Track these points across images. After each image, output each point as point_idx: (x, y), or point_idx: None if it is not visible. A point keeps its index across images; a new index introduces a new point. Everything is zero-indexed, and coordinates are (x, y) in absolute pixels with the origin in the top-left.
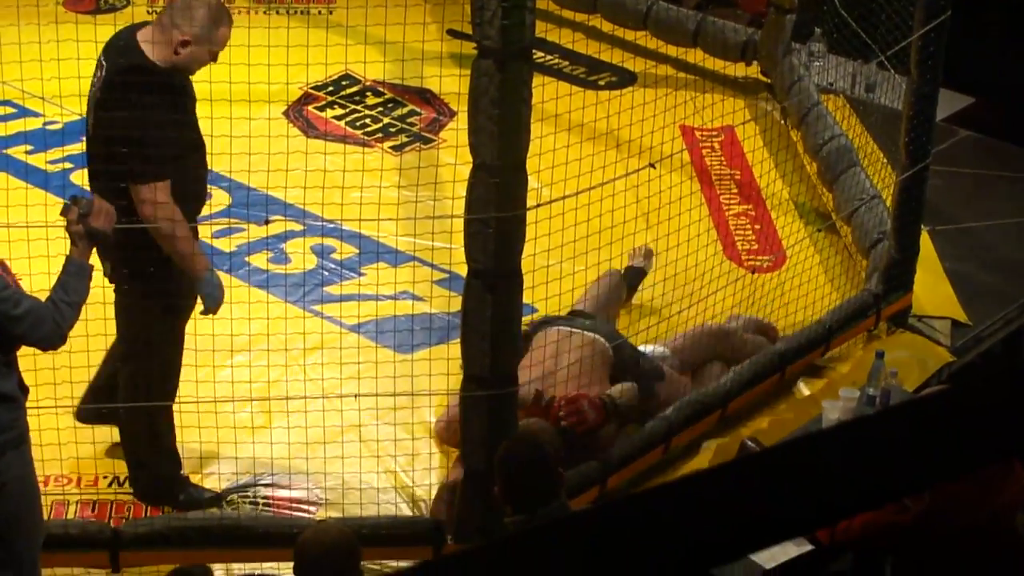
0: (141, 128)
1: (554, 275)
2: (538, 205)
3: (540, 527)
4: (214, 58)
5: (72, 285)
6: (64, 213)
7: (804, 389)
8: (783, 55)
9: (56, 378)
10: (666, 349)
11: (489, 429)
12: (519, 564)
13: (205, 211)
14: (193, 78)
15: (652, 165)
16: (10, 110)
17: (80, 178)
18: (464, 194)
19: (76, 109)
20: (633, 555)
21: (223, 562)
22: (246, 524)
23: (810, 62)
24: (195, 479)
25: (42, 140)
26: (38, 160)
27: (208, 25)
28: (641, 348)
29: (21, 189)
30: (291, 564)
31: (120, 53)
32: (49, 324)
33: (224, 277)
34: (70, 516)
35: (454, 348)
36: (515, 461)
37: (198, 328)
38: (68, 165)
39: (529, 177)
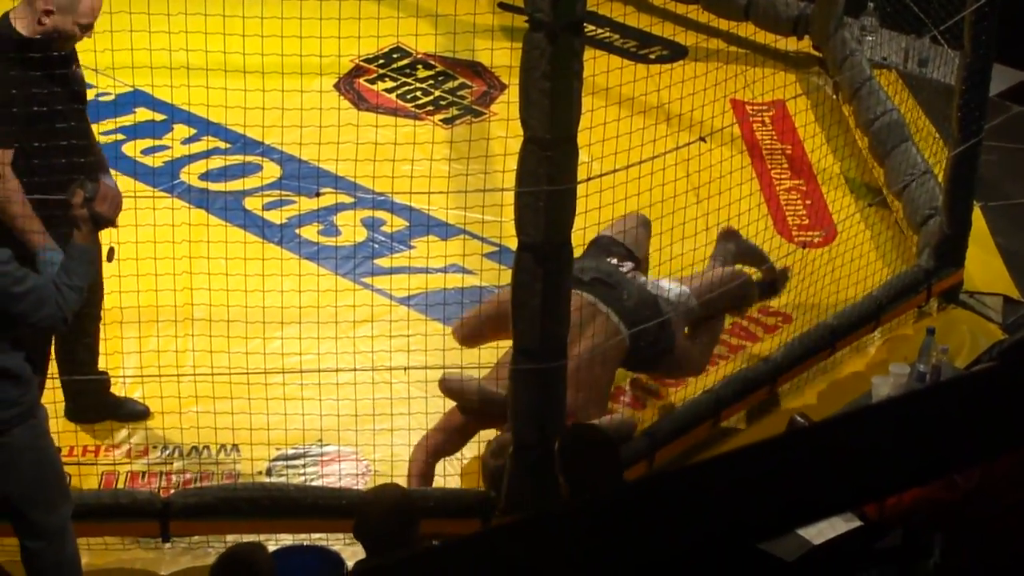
0: None
1: None
2: (589, 179)
3: (589, 500)
4: (85, 32)
5: (75, 269)
6: (69, 197)
7: (854, 364)
8: (835, 29)
9: (107, 348)
10: (689, 292)
11: (539, 402)
12: (568, 535)
13: (255, 183)
14: (252, 50)
15: (703, 139)
16: None
17: (132, 149)
18: (514, 167)
19: (128, 81)
20: (682, 529)
21: (272, 532)
22: (295, 495)
23: (862, 36)
24: (245, 451)
25: (94, 112)
26: None
27: None
28: (665, 284)
29: None
30: (339, 535)
31: None
32: (51, 306)
33: (274, 249)
34: (120, 485)
35: None
36: (579, 442)
37: (249, 300)
38: (120, 136)
39: (580, 150)
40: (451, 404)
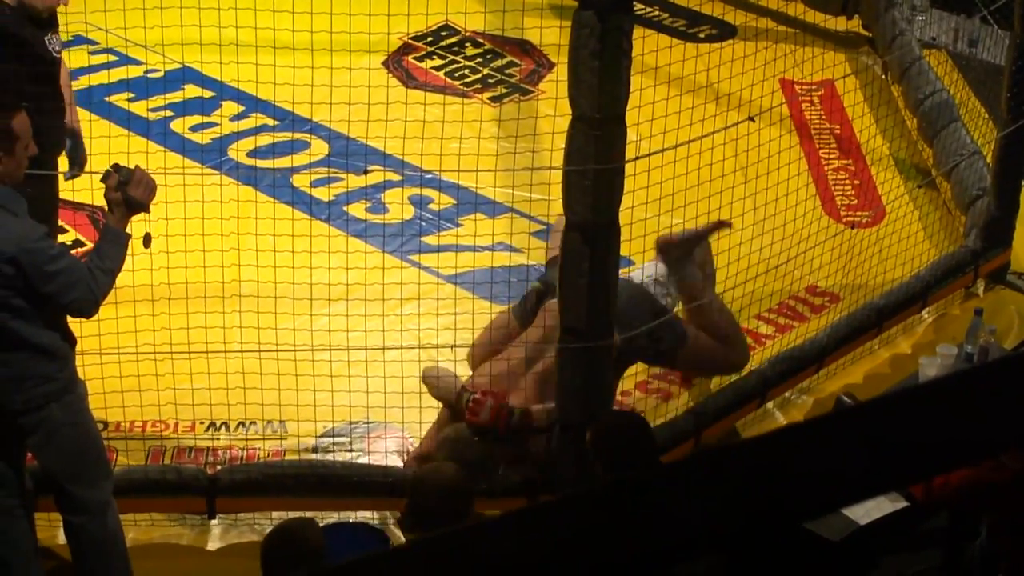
0: None
1: (652, 228)
2: (637, 158)
3: (630, 479)
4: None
5: (108, 252)
6: (104, 180)
7: (901, 345)
8: (885, 9)
9: (155, 324)
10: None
11: (584, 381)
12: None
13: (303, 160)
14: (300, 28)
15: (751, 118)
16: (112, 58)
17: (181, 126)
18: (562, 146)
19: (177, 57)
20: (728, 508)
21: (318, 510)
22: (341, 472)
23: (912, 16)
24: (291, 427)
25: (144, 88)
26: (139, 108)
27: None
28: (651, 265)
29: (123, 137)
30: (385, 512)
31: None
32: (82, 288)
33: (322, 226)
34: (167, 461)
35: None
36: (613, 427)
37: (297, 277)
38: (169, 113)
39: (628, 129)
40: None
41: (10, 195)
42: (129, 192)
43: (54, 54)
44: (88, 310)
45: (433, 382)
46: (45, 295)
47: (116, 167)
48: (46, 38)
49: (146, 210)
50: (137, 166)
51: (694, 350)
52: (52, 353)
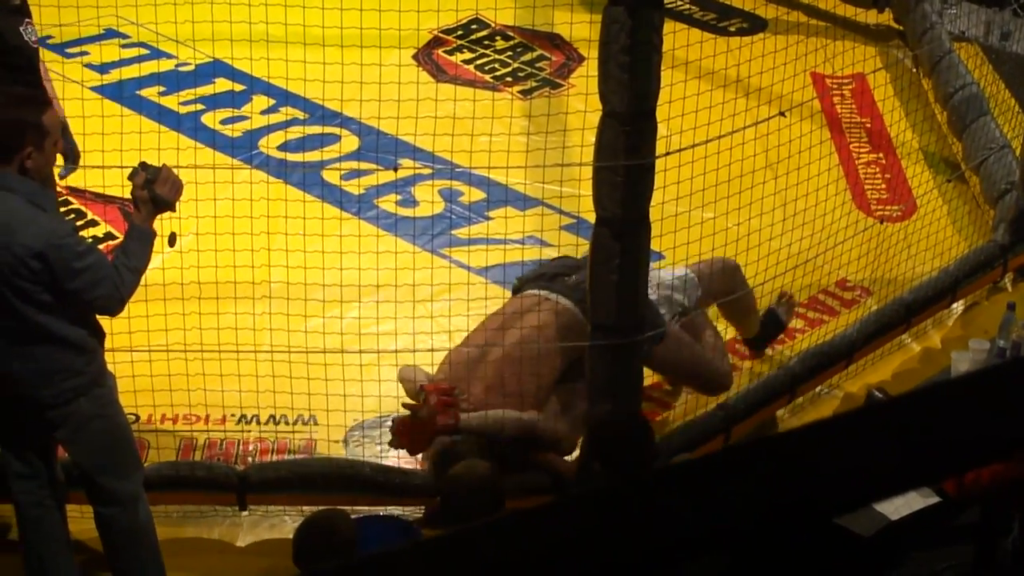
0: None
1: (682, 223)
2: (667, 153)
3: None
4: None
5: (134, 250)
6: (131, 177)
7: (931, 340)
8: (916, 2)
9: (186, 324)
10: (694, 276)
11: (614, 377)
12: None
13: (334, 154)
14: (327, 23)
15: (782, 114)
16: (144, 52)
17: (211, 120)
18: (592, 140)
19: (208, 52)
20: (757, 502)
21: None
22: (369, 474)
23: (943, 9)
24: (321, 419)
25: (175, 82)
26: (170, 102)
27: None
28: (667, 273)
29: (154, 132)
30: (412, 510)
31: None
32: (108, 286)
33: (353, 221)
34: (198, 454)
35: None
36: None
37: (326, 271)
38: (200, 107)
39: (658, 125)
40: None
41: (38, 190)
42: (156, 190)
43: (31, 44)
44: (113, 308)
45: (408, 385)
46: (71, 291)
47: (143, 165)
48: (20, 28)
49: (172, 208)
50: (164, 164)
51: (674, 353)
52: (80, 347)
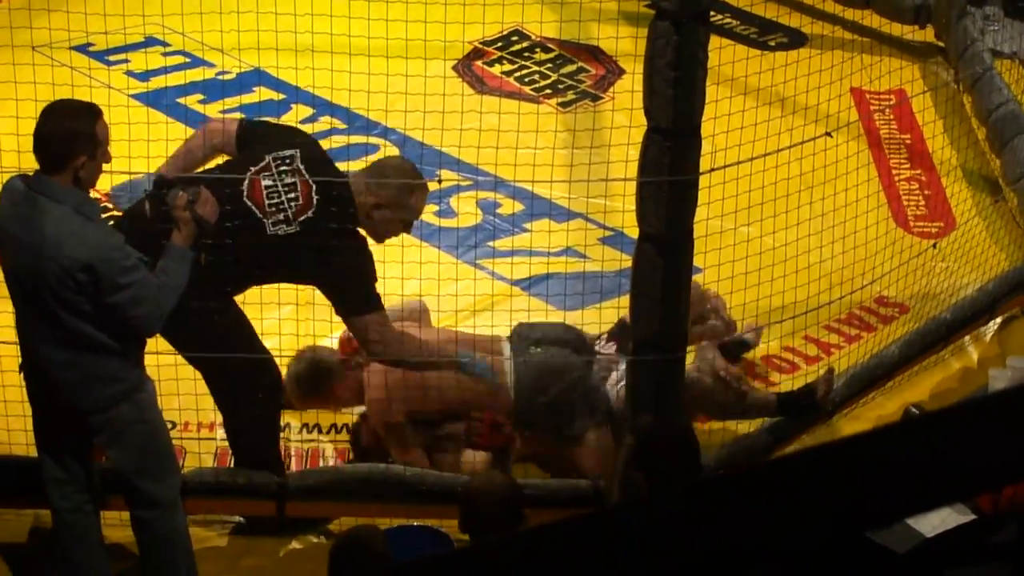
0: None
1: (727, 240)
2: (712, 170)
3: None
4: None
5: (174, 270)
6: (171, 199)
7: (969, 358)
8: (957, 19)
9: None
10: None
11: (657, 393)
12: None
13: None
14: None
15: (829, 134)
16: (186, 60)
17: None
18: (630, 151)
19: (252, 61)
20: (791, 515)
21: (387, 516)
22: (410, 480)
23: (985, 26)
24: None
25: (216, 90)
26: (211, 110)
27: None
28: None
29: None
30: (453, 520)
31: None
32: (149, 304)
33: None
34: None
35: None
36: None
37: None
38: (240, 115)
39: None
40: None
41: (86, 200)
42: (197, 211)
43: None
44: (152, 327)
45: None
46: (111, 305)
47: (183, 185)
48: None
49: (210, 229)
50: (202, 186)
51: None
52: (121, 354)
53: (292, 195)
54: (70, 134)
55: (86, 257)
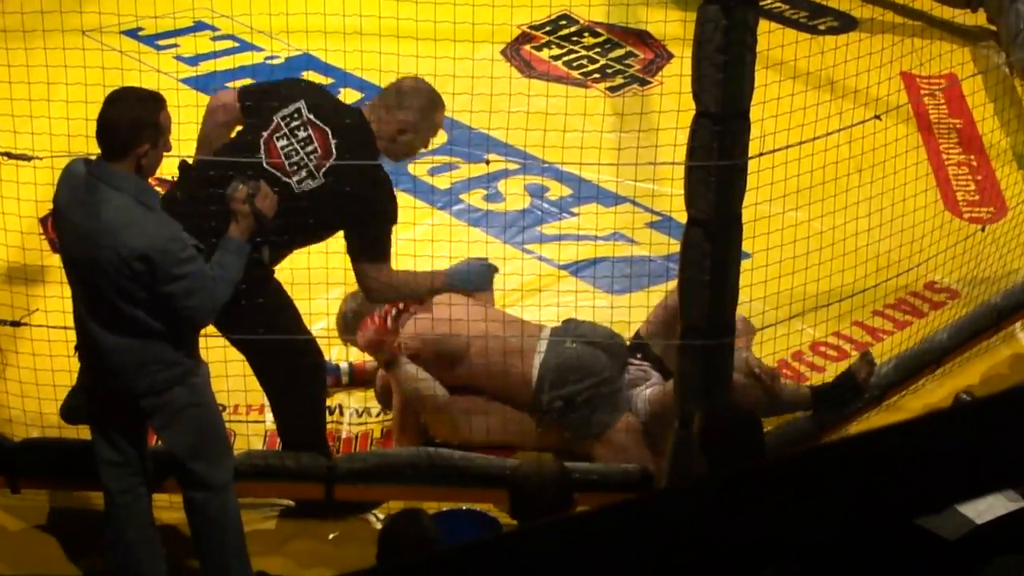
0: None
1: (775, 225)
2: (761, 154)
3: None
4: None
5: (230, 263)
6: (231, 192)
7: (1020, 344)
8: (1011, 2)
9: None
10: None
11: (705, 379)
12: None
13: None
14: (420, 17)
15: (878, 117)
16: (234, 44)
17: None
18: (679, 135)
19: (300, 45)
20: (840, 503)
21: (436, 500)
22: (459, 463)
23: None
24: None
25: (264, 74)
26: None
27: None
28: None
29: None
30: (501, 504)
31: None
32: (203, 296)
33: (443, 215)
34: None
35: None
36: (725, 421)
37: (418, 265)
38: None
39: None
40: None
41: (146, 189)
42: (256, 205)
43: None
44: (204, 319)
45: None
46: (165, 294)
47: (241, 179)
48: None
49: (268, 224)
50: (261, 180)
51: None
52: (176, 339)
53: (310, 148)
54: (135, 122)
55: (143, 247)
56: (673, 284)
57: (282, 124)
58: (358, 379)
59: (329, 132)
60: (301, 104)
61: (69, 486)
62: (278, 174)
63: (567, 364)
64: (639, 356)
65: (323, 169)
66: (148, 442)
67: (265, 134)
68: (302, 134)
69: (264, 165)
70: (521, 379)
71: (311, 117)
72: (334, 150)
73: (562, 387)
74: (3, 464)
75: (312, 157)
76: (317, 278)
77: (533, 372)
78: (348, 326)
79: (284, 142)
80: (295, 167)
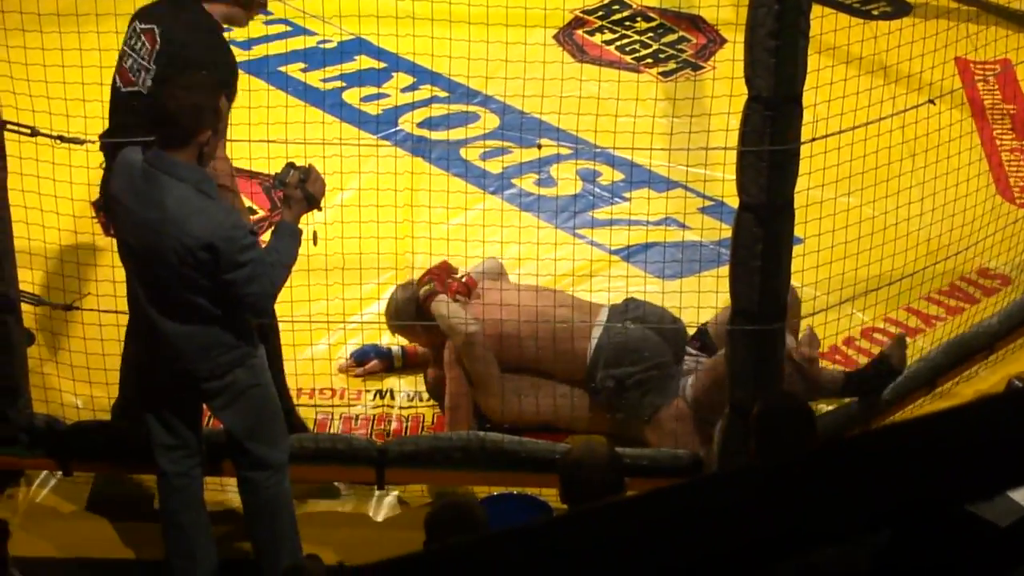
0: None
1: (827, 210)
2: (813, 139)
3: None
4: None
5: (286, 248)
6: (284, 177)
7: None
8: None
9: (329, 294)
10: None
11: (755, 364)
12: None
13: (473, 132)
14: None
15: (932, 101)
16: (287, 28)
17: (353, 97)
18: (731, 120)
19: (353, 29)
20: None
21: (486, 484)
22: (509, 447)
23: None
24: None
25: (317, 59)
26: (312, 78)
27: None
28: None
29: (299, 107)
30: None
31: None
32: (264, 282)
33: (495, 199)
34: (334, 429)
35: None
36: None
37: (469, 249)
38: (341, 84)
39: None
40: None
41: (205, 177)
42: (308, 189)
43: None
44: (264, 304)
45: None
46: (227, 282)
47: (292, 165)
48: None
49: (319, 207)
50: (311, 164)
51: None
52: (236, 323)
53: (139, 45)
54: (197, 109)
55: (208, 236)
56: (724, 270)
57: (127, 49)
58: (410, 363)
59: (155, 27)
60: (136, 23)
61: (120, 469)
62: (128, 90)
63: (624, 345)
64: (698, 346)
65: (153, 56)
66: (202, 424)
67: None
68: (138, 44)
69: (121, 91)
70: (576, 358)
71: (142, 26)
72: (158, 38)
73: (616, 367)
74: (55, 447)
75: (143, 53)
76: (368, 263)
77: (589, 351)
78: (399, 313)
79: (129, 61)
80: (138, 73)
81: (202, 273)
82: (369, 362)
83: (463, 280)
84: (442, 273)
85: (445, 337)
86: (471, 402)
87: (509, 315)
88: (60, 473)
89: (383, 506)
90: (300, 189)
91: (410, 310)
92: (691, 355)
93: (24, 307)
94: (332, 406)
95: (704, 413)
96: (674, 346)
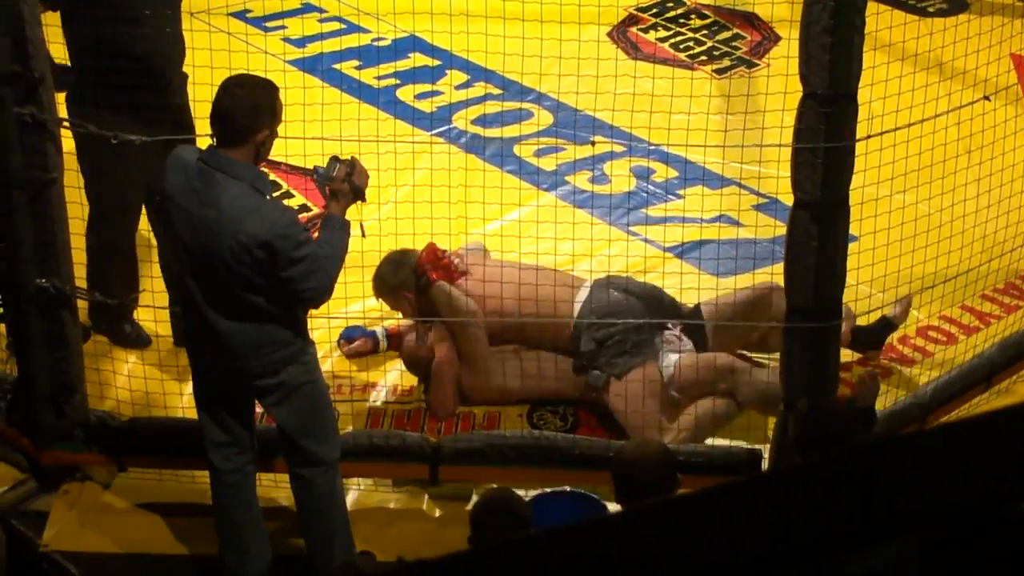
0: None
1: (883, 207)
2: (868, 136)
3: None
4: None
5: (336, 241)
6: (330, 172)
7: None
8: None
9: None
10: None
11: (811, 361)
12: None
13: (526, 130)
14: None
15: (987, 98)
16: (341, 26)
17: (407, 94)
18: (786, 118)
19: (406, 27)
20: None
21: (539, 481)
22: (562, 444)
23: None
24: None
25: (373, 56)
26: (366, 76)
27: None
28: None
29: (353, 104)
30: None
31: None
32: (320, 277)
33: (548, 196)
34: (385, 425)
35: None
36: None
37: (523, 245)
38: (394, 81)
39: (859, 107)
40: None
41: (260, 176)
42: (355, 181)
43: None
44: (320, 299)
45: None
46: (284, 278)
47: (336, 158)
48: None
49: (364, 199)
50: (353, 156)
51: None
52: (289, 320)
53: None
54: (255, 108)
55: (265, 234)
56: (779, 267)
57: None
58: (393, 345)
59: None
60: None
61: (174, 465)
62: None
63: (605, 308)
64: (680, 329)
65: None
66: (255, 421)
67: None
68: None
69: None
70: (561, 326)
71: None
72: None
73: (595, 331)
74: (109, 443)
75: None
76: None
77: (572, 317)
78: (384, 286)
79: None
80: None
81: (257, 271)
82: (356, 340)
83: (457, 263)
84: (440, 261)
85: (431, 307)
86: (456, 379)
87: (497, 290)
88: (115, 468)
89: (436, 503)
90: (348, 182)
91: (401, 275)
92: (670, 330)
93: (79, 303)
94: (386, 403)
95: (674, 390)
96: (656, 314)
